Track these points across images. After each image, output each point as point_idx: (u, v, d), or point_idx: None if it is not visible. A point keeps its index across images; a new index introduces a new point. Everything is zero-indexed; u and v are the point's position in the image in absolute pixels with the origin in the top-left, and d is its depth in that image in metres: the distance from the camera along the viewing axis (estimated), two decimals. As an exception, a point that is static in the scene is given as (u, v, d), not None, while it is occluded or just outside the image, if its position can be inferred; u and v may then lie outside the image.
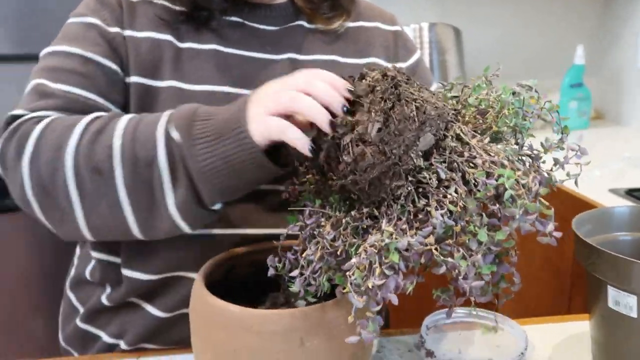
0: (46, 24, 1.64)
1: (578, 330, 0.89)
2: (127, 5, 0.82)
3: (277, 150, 0.65)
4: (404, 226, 0.55)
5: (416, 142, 0.56)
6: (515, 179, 0.55)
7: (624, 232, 0.83)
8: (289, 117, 0.62)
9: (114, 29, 0.80)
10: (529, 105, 0.63)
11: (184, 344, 0.81)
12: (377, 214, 0.58)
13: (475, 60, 2.40)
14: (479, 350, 0.74)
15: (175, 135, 0.64)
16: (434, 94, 0.61)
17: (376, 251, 0.54)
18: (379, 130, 0.55)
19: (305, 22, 0.89)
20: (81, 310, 0.90)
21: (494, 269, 0.56)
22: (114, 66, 0.80)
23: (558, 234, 0.56)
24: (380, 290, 0.54)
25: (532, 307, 1.75)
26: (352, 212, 0.59)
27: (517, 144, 0.63)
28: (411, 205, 0.56)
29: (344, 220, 0.59)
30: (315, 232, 0.61)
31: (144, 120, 0.67)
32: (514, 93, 0.63)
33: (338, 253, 0.58)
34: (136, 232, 0.69)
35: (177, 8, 0.83)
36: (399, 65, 0.93)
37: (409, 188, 0.56)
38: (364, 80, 0.60)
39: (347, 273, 0.55)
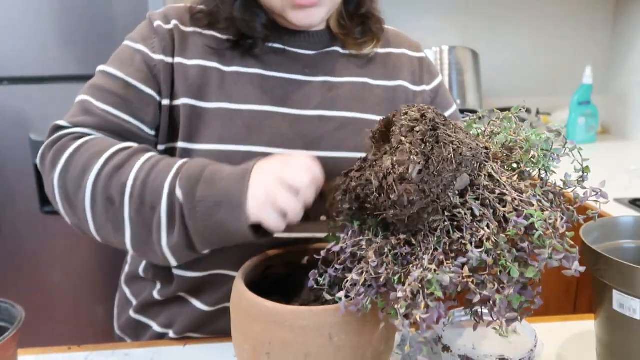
0: (108, 48, 1.67)
1: (583, 329, 0.87)
2: (179, 35, 0.83)
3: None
4: (441, 257, 0.55)
5: (453, 182, 0.56)
6: (544, 219, 0.54)
7: (628, 240, 0.81)
8: None
9: (159, 57, 0.81)
10: (556, 149, 0.62)
11: (225, 334, 0.82)
12: (413, 241, 0.58)
13: (491, 80, 2.38)
14: (492, 346, 0.73)
15: (179, 193, 0.66)
16: (467, 134, 0.60)
17: (420, 286, 0.54)
18: (420, 172, 0.55)
19: (339, 47, 0.89)
20: (134, 302, 0.91)
21: (523, 299, 0.56)
22: (151, 91, 0.81)
23: (582, 269, 0.55)
24: (425, 322, 0.54)
25: (541, 306, 1.72)
26: (391, 239, 0.59)
27: (541, 179, 0.62)
28: (447, 237, 0.56)
29: (385, 249, 0.58)
30: (356, 253, 0.61)
31: (157, 167, 0.70)
32: (547, 139, 0.62)
33: (381, 280, 0.58)
34: (131, 251, 0.72)
35: (225, 37, 0.83)
36: (422, 87, 0.92)
37: (446, 222, 0.56)
38: (403, 118, 0.59)
39: (395, 305, 0.55)
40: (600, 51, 2.46)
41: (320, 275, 0.66)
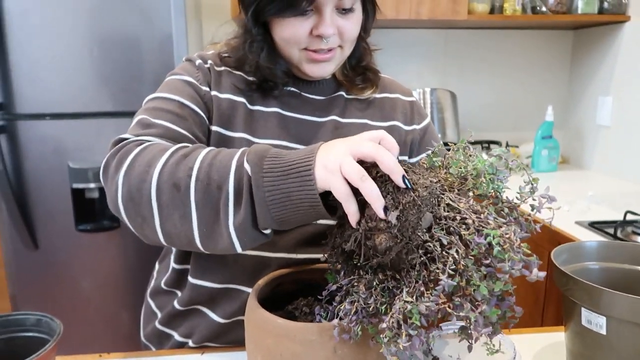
0: (137, 88, 1.68)
1: (554, 340, 0.86)
2: (214, 72, 0.83)
3: (328, 199, 0.60)
4: (422, 289, 0.54)
5: (419, 223, 0.55)
6: (500, 235, 0.53)
7: (593, 262, 0.80)
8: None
9: (205, 88, 0.81)
10: (501, 172, 0.61)
11: (240, 344, 0.80)
12: (398, 276, 0.57)
13: (468, 117, 2.40)
14: (476, 357, 0.71)
15: (247, 166, 0.60)
16: (422, 174, 0.59)
17: (401, 317, 0.53)
18: (389, 222, 0.55)
19: (344, 92, 0.90)
20: (159, 315, 0.89)
21: (499, 312, 0.55)
22: (203, 114, 0.79)
23: (542, 274, 0.54)
24: (408, 350, 0.53)
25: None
26: (379, 274, 0.58)
27: (497, 197, 0.61)
28: (425, 270, 0.55)
29: (374, 283, 0.58)
30: (350, 290, 0.60)
31: (224, 151, 0.64)
32: (490, 164, 0.61)
33: (369, 310, 0.57)
34: (198, 243, 0.64)
35: (251, 79, 0.83)
36: (413, 127, 0.92)
37: (422, 257, 0.55)
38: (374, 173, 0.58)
39: (381, 335, 0.54)
40: (560, 93, 2.48)
41: (325, 311, 0.65)
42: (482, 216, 0.55)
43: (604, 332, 0.66)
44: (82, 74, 1.65)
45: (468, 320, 0.53)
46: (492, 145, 2.26)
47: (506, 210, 0.60)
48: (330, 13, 0.75)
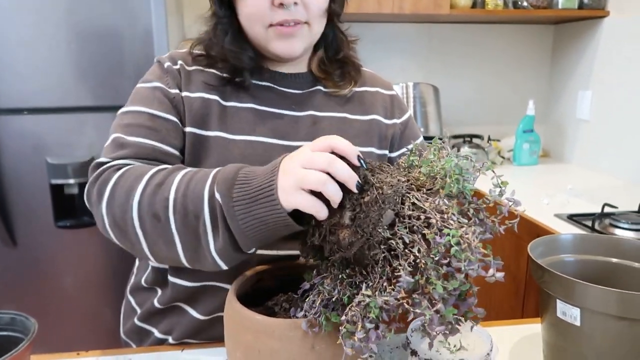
0: (117, 82, 1.66)
1: (531, 332, 0.87)
2: (184, 73, 0.82)
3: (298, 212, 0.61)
4: (385, 284, 0.55)
5: (380, 220, 0.55)
6: (459, 236, 0.54)
7: (568, 254, 0.81)
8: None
9: (174, 91, 0.80)
10: (468, 173, 0.62)
11: (220, 340, 0.79)
12: (365, 273, 0.58)
13: (450, 111, 2.41)
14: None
15: (218, 197, 0.62)
16: (390, 173, 0.60)
17: (360, 310, 0.54)
18: (352, 218, 0.56)
19: (322, 87, 0.89)
20: (139, 311, 0.89)
21: (455, 311, 0.55)
22: (174, 118, 0.79)
23: (500, 275, 0.54)
24: (364, 342, 0.54)
25: (494, 309, 1.72)
26: (347, 270, 0.59)
27: (464, 198, 0.62)
28: (388, 266, 0.56)
29: (340, 276, 0.59)
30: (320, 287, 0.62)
31: (195, 178, 0.65)
32: (456, 165, 0.61)
33: (333, 300, 0.59)
34: (186, 264, 0.67)
35: (224, 75, 0.83)
36: (394, 121, 0.92)
37: (384, 254, 0.56)
38: None
39: (340, 327, 0.55)
40: (541, 87, 2.51)
41: (301, 310, 0.65)
42: (445, 216, 0.55)
43: (578, 323, 0.67)
44: (61, 68, 1.62)
45: (425, 318, 0.53)
46: (474, 139, 2.27)
47: (472, 211, 0.60)
48: None
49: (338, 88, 0.88)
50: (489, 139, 2.39)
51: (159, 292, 0.85)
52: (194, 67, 0.83)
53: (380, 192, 0.56)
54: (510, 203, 0.60)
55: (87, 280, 1.75)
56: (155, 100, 0.79)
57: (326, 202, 0.57)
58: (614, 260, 0.79)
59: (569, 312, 0.68)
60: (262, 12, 0.75)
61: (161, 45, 1.66)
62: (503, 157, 2.36)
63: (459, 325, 0.55)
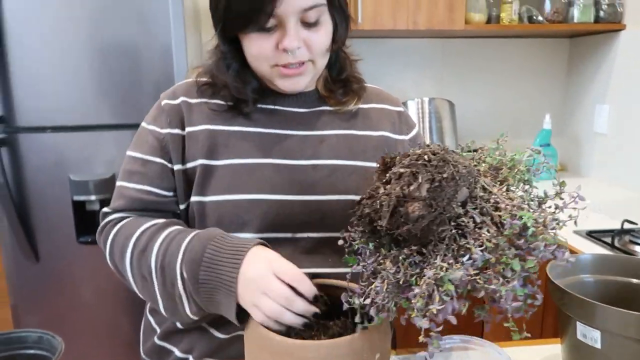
0: (136, 99, 1.69)
1: (550, 353, 0.86)
2: (186, 108, 0.85)
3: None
4: (451, 261, 0.55)
5: (455, 195, 0.56)
6: (534, 219, 0.55)
7: (588, 275, 0.81)
8: None
9: (166, 130, 0.84)
10: (538, 164, 0.64)
11: (240, 358, 0.80)
12: (424, 251, 0.58)
13: (465, 125, 2.41)
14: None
15: (185, 276, 0.71)
16: (461, 156, 0.62)
17: (433, 282, 0.54)
18: (427, 189, 0.56)
19: (327, 106, 0.90)
20: (158, 330, 0.90)
21: (526, 291, 0.56)
22: (162, 161, 0.84)
23: (572, 259, 0.56)
24: (441, 313, 0.54)
25: (511, 329, 1.70)
26: (404, 250, 0.58)
27: (525, 192, 0.63)
28: (454, 244, 0.56)
29: (400, 257, 0.58)
30: (378, 268, 0.60)
31: (169, 250, 0.74)
32: (530, 156, 0.64)
33: (400, 283, 0.58)
34: (169, 317, 0.80)
35: (227, 102, 0.85)
36: (402, 137, 0.93)
37: (452, 231, 0.57)
38: (410, 155, 0.61)
39: (412, 301, 0.55)
40: (557, 101, 2.49)
41: (351, 297, 0.65)
42: (514, 202, 0.57)
43: (598, 345, 0.66)
44: (82, 87, 1.66)
45: (498, 296, 0.54)
46: (490, 154, 2.27)
47: (536, 202, 0.61)
48: (294, 26, 0.75)
49: (341, 105, 0.90)
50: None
51: None
52: (197, 100, 0.86)
53: (457, 169, 0.57)
54: (574, 198, 0.61)
55: (106, 295, 1.77)
56: (147, 143, 0.85)
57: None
58: (634, 281, 0.78)
59: (589, 335, 0.67)
60: (266, 54, 0.77)
61: (180, 62, 1.69)
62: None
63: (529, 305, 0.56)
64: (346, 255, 0.67)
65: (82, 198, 1.68)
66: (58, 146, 1.67)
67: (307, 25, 0.77)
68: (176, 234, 0.75)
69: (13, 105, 1.64)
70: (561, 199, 0.62)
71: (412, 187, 0.56)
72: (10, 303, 1.76)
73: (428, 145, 0.62)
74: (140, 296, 0.80)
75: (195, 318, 0.75)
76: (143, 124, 0.87)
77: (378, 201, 0.59)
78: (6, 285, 1.75)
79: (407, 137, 0.94)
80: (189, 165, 0.82)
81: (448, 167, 0.57)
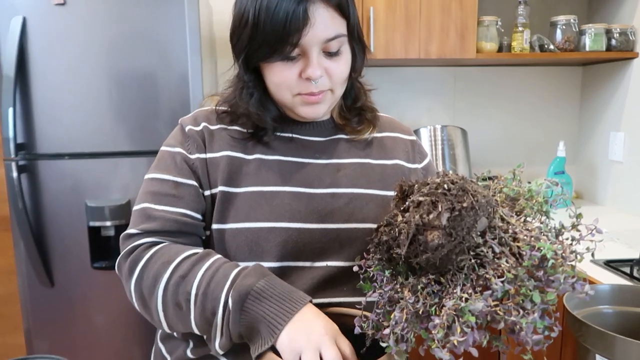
0: (153, 126, 1.72)
1: (571, 386, 0.84)
2: (207, 134, 0.86)
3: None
4: (470, 291, 0.55)
5: (475, 225, 0.56)
6: (553, 250, 0.55)
7: (607, 306, 0.79)
8: None
9: (195, 156, 0.84)
10: (556, 195, 0.64)
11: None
12: (442, 280, 0.57)
13: (479, 152, 2.41)
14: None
15: (230, 303, 0.69)
16: (479, 186, 0.62)
17: (454, 313, 0.53)
18: (447, 219, 0.56)
19: (343, 134, 0.92)
20: (169, 358, 0.89)
21: (545, 323, 0.55)
22: (195, 183, 0.83)
23: (592, 292, 0.55)
24: (462, 344, 0.53)
25: None
26: (422, 279, 0.58)
27: (542, 223, 0.63)
28: (473, 273, 0.56)
29: (419, 286, 0.58)
30: (395, 296, 0.60)
31: (215, 276, 0.72)
32: (548, 187, 0.64)
33: (420, 313, 0.57)
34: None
35: (247, 130, 0.86)
36: (415, 165, 0.94)
37: (471, 260, 0.56)
38: (429, 183, 0.61)
39: (432, 331, 0.54)
40: (571, 128, 2.48)
41: (365, 322, 0.64)
42: (533, 233, 0.57)
43: (619, 380, 0.65)
44: (101, 115, 1.70)
45: (518, 327, 0.54)
46: (504, 181, 2.26)
47: (553, 234, 0.61)
48: (316, 56, 0.77)
49: (357, 133, 0.91)
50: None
51: (191, 343, 0.85)
52: (217, 126, 0.87)
53: (476, 199, 0.57)
54: (591, 230, 0.60)
55: (118, 321, 1.77)
56: (176, 166, 0.83)
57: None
58: (655, 312, 0.77)
59: (609, 368, 0.66)
60: (289, 83, 0.79)
61: (196, 90, 1.73)
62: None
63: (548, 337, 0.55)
64: (361, 282, 0.66)
65: (97, 224, 1.70)
66: (76, 172, 1.70)
67: (329, 55, 0.79)
68: (222, 263, 0.75)
69: (34, 133, 1.68)
70: (578, 230, 0.62)
71: (431, 216, 0.56)
72: (24, 327, 1.76)
73: (446, 174, 0.62)
74: (163, 325, 0.76)
75: (220, 350, 0.72)
76: (166, 148, 0.86)
77: (397, 229, 0.59)
78: (20, 309, 1.76)
79: (420, 166, 0.95)
80: (213, 191, 0.83)
81: (467, 196, 0.57)
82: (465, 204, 0.56)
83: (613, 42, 2.10)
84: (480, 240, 0.57)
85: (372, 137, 0.93)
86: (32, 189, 1.69)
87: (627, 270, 1.37)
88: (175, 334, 0.88)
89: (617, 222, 1.97)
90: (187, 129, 0.86)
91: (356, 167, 0.88)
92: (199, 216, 0.82)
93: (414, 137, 0.98)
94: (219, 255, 0.77)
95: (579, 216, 0.63)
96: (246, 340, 0.69)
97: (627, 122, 2.12)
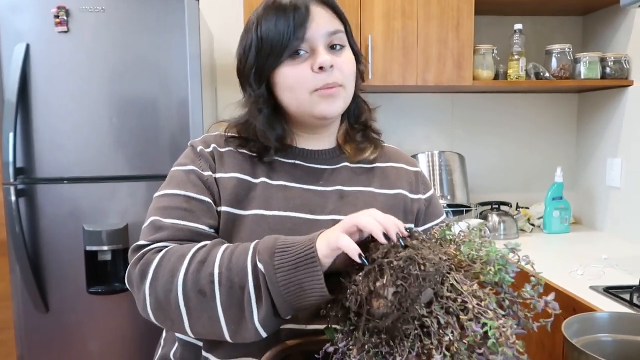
0: (152, 152, 1.73)
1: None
2: (218, 155, 0.87)
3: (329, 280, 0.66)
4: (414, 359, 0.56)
5: (419, 297, 0.57)
6: (497, 328, 0.55)
7: (606, 334, 0.79)
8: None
9: (207, 174, 0.84)
10: (511, 265, 0.63)
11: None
12: (392, 343, 0.59)
13: (477, 178, 2.41)
14: None
15: (260, 266, 0.67)
16: (432, 249, 0.61)
17: None
18: (394, 293, 0.57)
19: (348, 163, 0.93)
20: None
21: None
22: (208, 200, 0.82)
23: None
24: None
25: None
26: (374, 338, 0.59)
27: (501, 287, 0.62)
28: (419, 342, 0.57)
29: (367, 346, 0.59)
30: (347, 353, 0.61)
31: (236, 252, 0.71)
32: (502, 256, 0.63)
33: None
34: (227, 337, 0.70)
35: (253, 154, 0.87)
36: (419, 196, 0.94)
37: (417, 330, 0.57)
38: (381, 246, 0.62)
39: None
40: (568, 155, 2.50)
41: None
42: (482, 304, 0.56)
43: (620, 410, 0.64)
44: (100, 140, 1.71)
45: None
46: (502, 207, 2.25)
47: (507, 302, 0.61)
48: (323, 49, 0.82)
49: (361, 152, 0.92)
50: (517, 206, 2.36)
51: None
52: (226, 149, 0.88)
53: (423, 269, 0.57)
54: (548, 303, 0.60)
55: (114, 347, 1.75)
56: (189, 183, 0.83)
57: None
58: (655, 341, 0.76)
59: (609, 398, 0.65)
60: (305, 79, 0.82)
61: (196, 117, 1.74)
62: (533, 225, 2.32)
63: None
64: (326, 328, 0.68)
65: (94, 248, 1.69)
66: (74, 197, 1.70)
67: (334, 50, 0.84)
68: (238, 244, 0.74)
69: (34, 158, 1.69)
70: (537, 299, 0.61)
71: (378, 284, 0.58)
72: (17, 353, 1.74)
73: (404, 237, 0.63)
74: (186, 326, 0.70)
75: (262, 330, 0.68)
76: (178, 168, 0.86)
77: (350, 290, 0.61)
78: (14, 335, 1.74)
79: (423, 197, 0.96)
80: (219, 209, 0.83)
81: (414, 267, 0.57)
82: (410, 278, 0.57)
83: (608, 70, 2.14)
84: (425, 312, 0.57)
85: (376, 167, 0.94)
86: (30, 214, 1.69)
87: (627, 297, 1.36)
88: (172, 356, 0.87)
89: (617, 249, 1.97)
90: (199, 149, 0.87)
91: (360, 195, 0.89)
92: (211, 232, 0.81)
93: (418, 169, 0.99)
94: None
95: (540, 281, 0.62)
96: (289, 298, 0.66)
97: (624, 149, 2.14)
